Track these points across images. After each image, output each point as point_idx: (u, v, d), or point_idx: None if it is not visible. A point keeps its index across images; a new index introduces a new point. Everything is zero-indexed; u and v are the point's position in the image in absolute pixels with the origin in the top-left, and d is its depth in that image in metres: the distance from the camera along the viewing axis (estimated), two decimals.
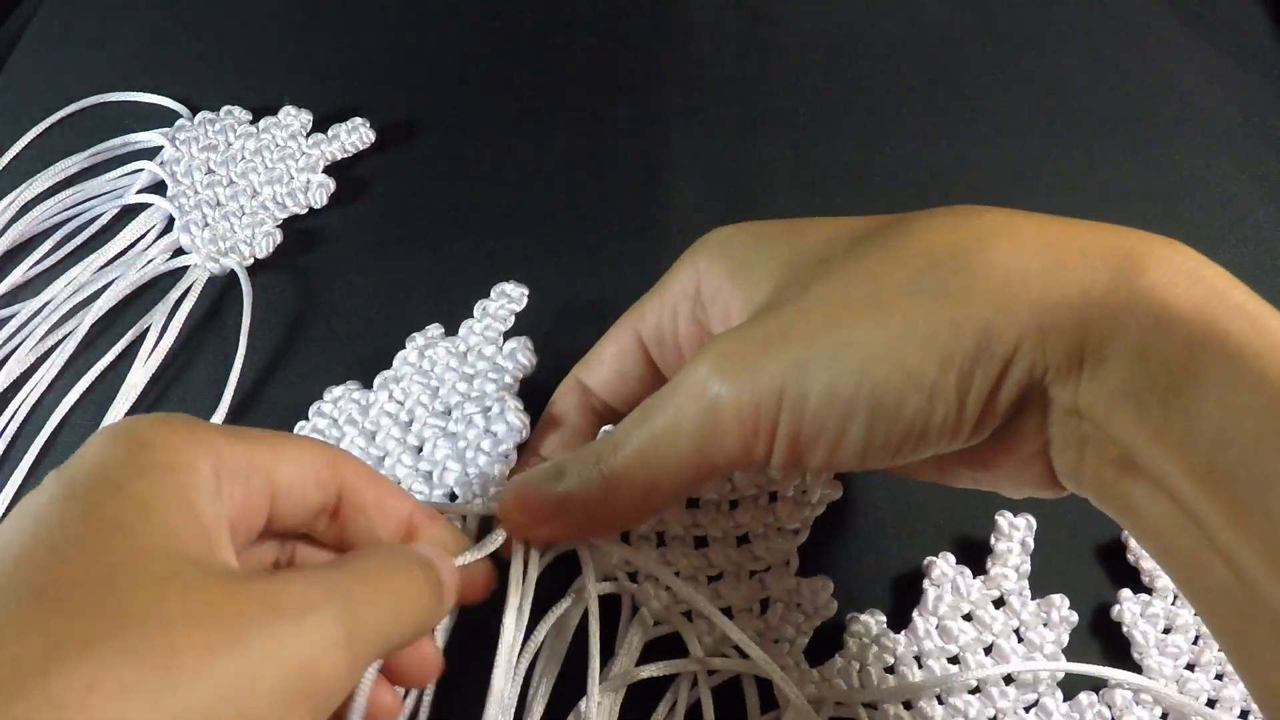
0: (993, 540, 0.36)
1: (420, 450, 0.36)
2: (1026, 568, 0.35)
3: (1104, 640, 0.35)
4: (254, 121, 0.48)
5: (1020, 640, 0.34)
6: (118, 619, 0.18)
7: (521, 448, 0.35)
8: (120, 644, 0.18)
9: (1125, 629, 0.35)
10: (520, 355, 0.38)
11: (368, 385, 0.38)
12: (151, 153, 0.48)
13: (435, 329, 0.39)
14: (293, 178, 0.46)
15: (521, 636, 0.30)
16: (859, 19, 0.55)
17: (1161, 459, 0.22)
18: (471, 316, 0.40)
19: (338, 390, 0.37)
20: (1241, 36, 0.55)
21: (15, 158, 0.48)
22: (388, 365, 0.38)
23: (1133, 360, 0.22)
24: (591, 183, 0.48)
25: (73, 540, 0.19)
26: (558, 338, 0.43)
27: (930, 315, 0.24)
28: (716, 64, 0.53)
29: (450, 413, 0.36)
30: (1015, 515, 0.36)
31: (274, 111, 0.48)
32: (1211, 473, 0.21)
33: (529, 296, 0.40)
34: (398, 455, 0.35)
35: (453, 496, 0.34)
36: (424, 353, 0.38)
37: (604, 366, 0.34)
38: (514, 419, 0.35)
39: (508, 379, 0.37)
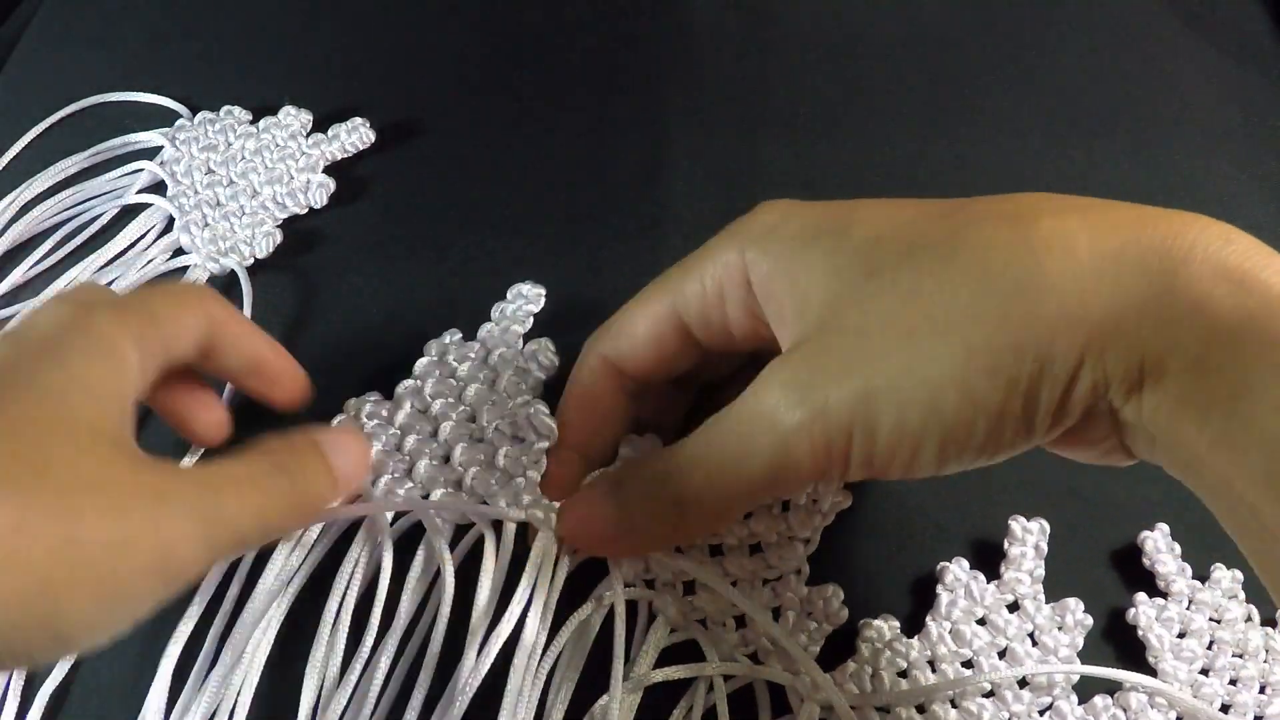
0: (1006, 544, 0.36)
1: (448, 459, 0.36)
2: (1041, 572, 0.35)
3: (1119, 644, 0.35)
4: (254, 121, 0.48)
5: (1035, 644, 0.34)
6: (40, 472, 0.22)
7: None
8: (35, 495, 0.21)
9: (1140, 633, 0.35)
10: (542, 357, 0.38)
11: (371, 387, 0.38)
12: (151, 153, 0.48)
13: (453, 334, 0.39)
14: (293, 178, 0.46)
15: (543, 640, 0.31)
16: (859, 19, 0.55)
17: (1225, 465, 0.23)
18: (488, 319, 0.40)
19: (356, 402, 0.37)
20: (1241, 36, 0.55)
21: (15, 158, 0.48)
22: (388, 365, 0.38)
23: (1190, 374, 0.23)
24: (591, 183, 0.48)
25: (17, 400, 0.23)
26: (558, 338, 0.43)
27: (992, 341, 0.24)
28: (716, 64, 0.53)
29: (475, 419, 0.36)
30: (1029, 519, 0.36)
31: (274, 111, 0.48)
32: (1272, 480, 0.22)
33: None
34: (426, 464, 0.35)
35: (484, 503, 0.34)
36: (444, 358, 0.38)
37: (638, 342, 0.33)
38: (543, 423, 0.35)
39: (531, 381, 0.37)
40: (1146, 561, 0.36)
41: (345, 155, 0.48)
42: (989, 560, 0.36)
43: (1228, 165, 0.49)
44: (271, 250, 0.45)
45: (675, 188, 0.48)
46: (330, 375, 0.39)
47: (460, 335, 0.39)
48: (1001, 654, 0.34)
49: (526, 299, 0.40)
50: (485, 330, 0.39)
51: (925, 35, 0.54)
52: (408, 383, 0.37)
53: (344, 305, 0.44)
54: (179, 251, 0.45)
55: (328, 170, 0.47)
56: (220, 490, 0.25)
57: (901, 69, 0.53)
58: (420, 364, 0.38)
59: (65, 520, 0.21)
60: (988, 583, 0.35)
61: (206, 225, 0.45)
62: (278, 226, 0.45)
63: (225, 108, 0.49)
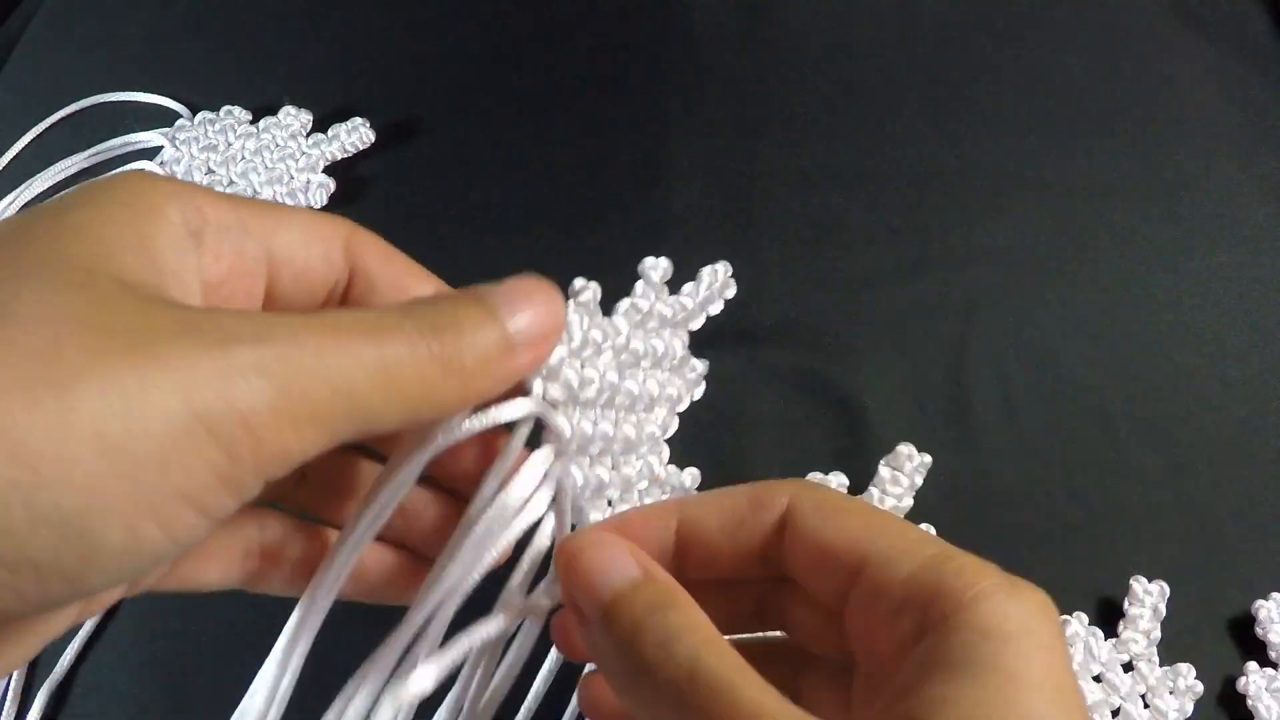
0: (1126, 604, 0.36)
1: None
2: (1157, 634, 0.36)
3: (1229, 712, 0.35)
4: (254, 121, 0.48)
5: (1146, 706, 0.34)
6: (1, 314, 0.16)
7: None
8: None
9: (1250, 702, 0.35)
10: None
11: None
12: (151, 153, 0.48)
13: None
14: (293, 178, 0.46)
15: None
16: (859, 19, 0.55)
17: None
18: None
19: None
20: (1241, 36, 0.55)
21: (15, 158, 0.48)
22: None
23: None
24: (591, 183, 0.48)
25: None
26: None
27: None
28: (716, 64, 0.53)
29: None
30: (1150, 581, 0.37)
31: (274, 111, 0.48)
32: None
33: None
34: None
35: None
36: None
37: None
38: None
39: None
40: (1259, 631, 0.36)
41: (345, 155, 0.48)
42: (1108, 617, 0.36)
43: (1228, 165, 0.49)
44: None
45: (675, 188, 0.48)
46: None
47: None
48: (1115, 713, 0.34)
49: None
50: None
51: (925, 35, 0.54)
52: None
53: None
54: None
55: (328, 170, 0.47)
56: (314, 335, 0.18)
57: (901, 68, 0.53)
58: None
59: (42, 364, 0.15)
60: (1105, 640, 0.35)
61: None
62: None
63: (225, 108, 0.49)
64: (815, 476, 0.39)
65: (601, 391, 0.25)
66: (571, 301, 0.25)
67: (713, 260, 0.46)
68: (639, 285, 0.28)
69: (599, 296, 0.25)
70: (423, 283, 0.25)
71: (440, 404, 0.20)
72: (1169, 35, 0.54)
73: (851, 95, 0.52)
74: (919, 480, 0.38)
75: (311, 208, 0.24)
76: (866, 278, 0.45)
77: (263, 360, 0.17)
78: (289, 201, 0.46)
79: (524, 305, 0.22)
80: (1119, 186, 0.48)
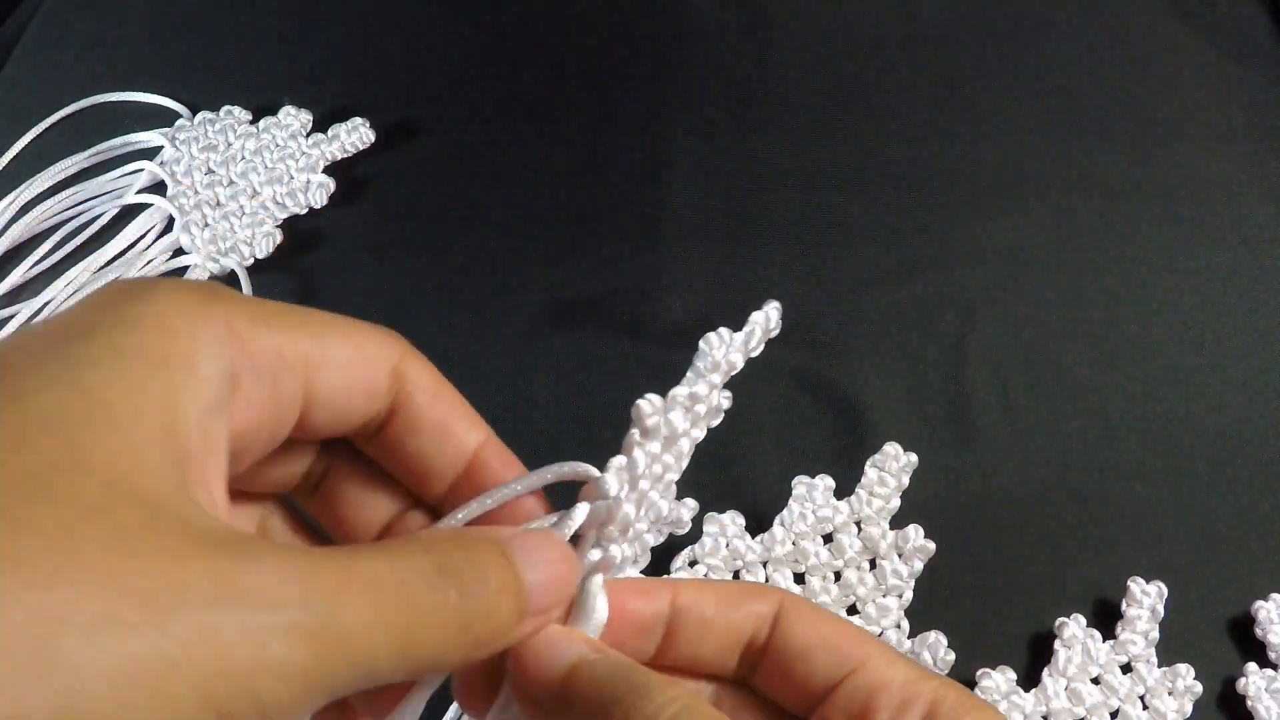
0: (1124, 605, 0.36)
1: None
2: (1155, 635, 0.36)
3: (1229, 713, 0.35)
4: (254, 121, 0.48)
5: (1145, 707, 0.34)
6: None
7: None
8: None
9: (1249, 703, 0.35)
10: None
11: None
12: (151, 153, 0.48)
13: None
14: (293, 178, 0.46)
15: None
16: (859, 19, 0.55)
17: None
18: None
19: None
20: (1241, 36, 0.55)
21: (15, 158, 0.48)
22: None
23: None
24: (591, 183, 0.48)
25: None
26: (557, 338, 0.43)
27: None
28: (716, 64, 0.53)
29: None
30: (1148, 582, 0.36)
31: (274, 111, 0.48)
32: None
33: (527, 297, 0.40)
34: None
35: None
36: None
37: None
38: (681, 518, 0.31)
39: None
40: (1259, 631, 0.36)
41: (345, 155, 0.48)
42: (1105, 618, 0.36)
43: (1228, 165, 0.49)
44: (271, 250, 0.45)
45: (675, 188, 0.48)
46: None
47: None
48: (1114, 715, 0.34)
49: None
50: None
51: (925, 35, 0.54)
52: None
53: (344, 305, 0.44)
54: (179, 252, 0.45)
55: (328, 170, 0.47)
56: (341, 592, 0.16)
57: (901, 69, 0.53)
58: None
59: (30, 633, 0.13)
60: (1103, 641, 0.35)
61: (206, 225, 0.45)
62: (277, 226, 0.45)
63: (225, 108, 0.49)
64: (804, 479, 0.39)
65: (645, 497, 0.24)
66: (636, 430, 0.23)
67: (713, 259, 0.46)
68: (696, 365, 0.25)
69: (664, 414, 0.23)
70: (470, 427, 0.21)
71: (445, 666, 0.18)
72: (1169, 35, 0.54)
73: (851, 95, 0.52)
74: (905, 480, 0.38)
75: (360, 321, 0.20)
76: (866, 278, 0.45)
77: (294, 639, 0.15)
78: (289, 202, 0.46)
79: (543, 564, 0.20)
80: (1119, 186, 0.48)
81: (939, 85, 0.52)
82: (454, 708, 0.30)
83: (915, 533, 0.37)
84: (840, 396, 0.42)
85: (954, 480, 0.40)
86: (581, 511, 0.21)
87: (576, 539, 0.22)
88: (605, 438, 0.36)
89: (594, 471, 0.22)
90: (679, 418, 0.24)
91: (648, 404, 0.22)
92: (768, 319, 0.27)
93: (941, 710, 0.21)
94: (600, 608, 0.22)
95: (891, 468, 0.38)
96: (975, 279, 0.45)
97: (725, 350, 0.25)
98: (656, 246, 0.46)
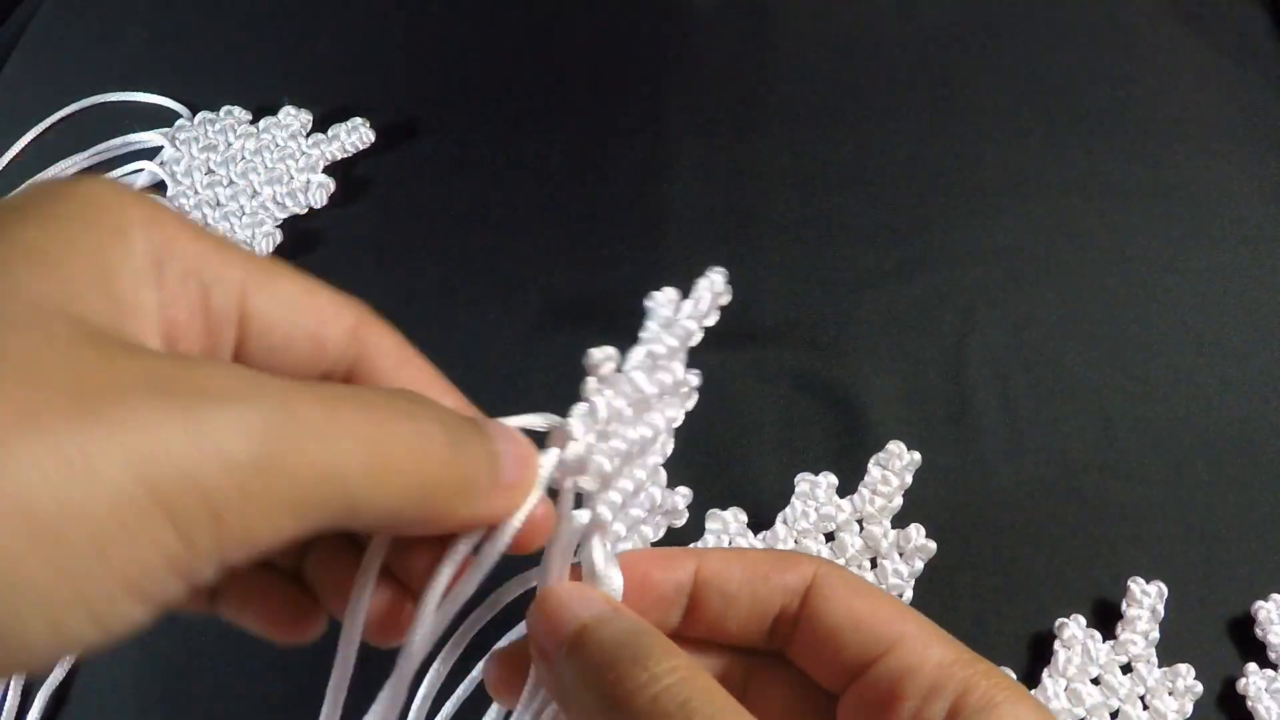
0: (1124, 605, 0.36)
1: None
2: (1155, 635, 0.36)
3: (1229, 713, 0.35)
4: (254, 121, 0.48)
5: (1145, 707, 0.34)
6: None
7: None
8: None
9: (1249, 703, 0.35)
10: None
11: None
12: (151, 153, 0.48)
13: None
14: (293, 178, 0.46)
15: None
16: (859, 19, 0.55)
17: None
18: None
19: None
20: (1241, 36, 0.55)
21: (15, 158, 0.48)
22: None
23: None
24: (591, 183, 0.48)
25: None
26: (557, 337, 0.43)
27: None
28: (716, 64, 0.53)
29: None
30: (1148, 582, 0.36)
31: (274, 111, 0.48)
32: None
33: (527, 297, 0.40)
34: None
35: None
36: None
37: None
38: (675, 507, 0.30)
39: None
40: (1259, 631, 0.36)
41: (345, 155, 0.48)
42: (1105, 618, 0.36)
43: (1228, 165, 0.49)
44: (271, 250, 0.45)
45: (675, 188, 0.48)
46: None
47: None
48: (1114, 715, 0.34)
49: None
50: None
51: (925, 35, 0.54)
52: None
53: None
54: None
55: (328, 170, 0.47)
56: (294, 393, 0.15)
57: (901, 69, 0.53)
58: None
59: None
60: (1103, 642, 0.35)
61: (207, 225, 0.45)
62: (277, 226, 0.45)
63: (225, 108, 0.49)
64: (807, 476, 0.39)
65: (626, 460, 0.24)
66: (592, 378, 0.23)
67: (712, 260, 0.46)
68: (649, 325, 0.26)
69: (618, 361, 0.23)
70: (440, 395, 0.21)
71: (431, 506, 0.18)
72: (1169, 35, 0.54)
73: (851, 95, 0.52)
74: (909, 479, 0.38)
75: (327, 284, 0.20)
76: (866, 278, 0.45)
77: (242, 426, 0.14)
78: (289, 202, 0.46)
79: (512, 446, 0.20)
80: (1119, 186, 0.48)
81: (939, 85, 0.52)
82: (494, 708, 0.30)
83: (917, 532, 0.37)
84: (840, 396, 0.42)
85: (954, 479, 0.40)
86: (551, 456, 0.21)
87: (555, 495, 0.21)
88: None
89: (558, 419, 0.22)
90: (642, 379, 0.24)
91: (599, 350, 0.23)
92: (713, 283, 0.28)
93: (969, 701, 0.20)
94: (614, 576, 0.22)
95: (895, 466, 0.38)
96: (975, 279, 0.45)
97: (675, 308, 0.26)
98: (656, 246, 0.46)
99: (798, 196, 0.48)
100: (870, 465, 0.38)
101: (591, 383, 0.23)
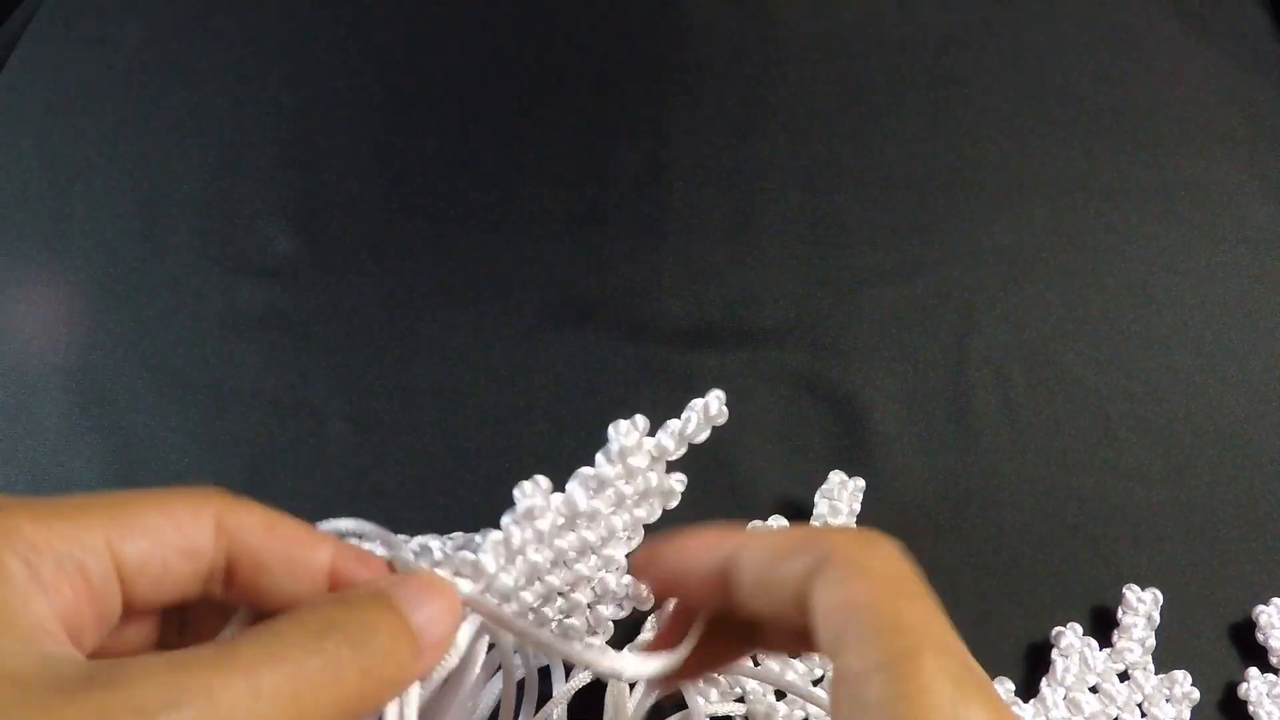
0: (1120, 612, 0.36)
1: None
2: (1151, 642, 0.35)
3: (1231, 718, 0.35)
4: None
5: (1143, 715, 0.34)
6: None
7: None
8: None
9: (1250, 708, 0.35)
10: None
11: (370, 387, 0.38)
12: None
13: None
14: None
15: None
16: (859, 19, 0.55)
17: None
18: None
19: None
20: (1241, 36, 0.55)
21: (14, 157, 0.48)
22: (385, 367, 0.38)
23: None
24: (591, 183, 0.48)
25: None
26: (556, 337, 0.43)
27: None
28: (716, 64, 0.53)
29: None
30: (1143, 589, 0.36)
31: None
32: None
33: (527, 297, 0.40)
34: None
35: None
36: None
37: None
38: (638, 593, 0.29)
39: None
40: (1260, 636, 0.36)
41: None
42: (1103, 624, 0.36)
43: (1228, 165, 0.49)
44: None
45: (675, 188, 0.48)
46: (328, 374, 0.39)
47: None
48: None
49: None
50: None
51: (925, 35, 0.54)
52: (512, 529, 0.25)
53: (344, 306, 0.44)
54: None
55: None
56: (216, 679, 0.17)
57: (901, 69, 0.53)
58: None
59: None
60: (1100, 650, 0.35)
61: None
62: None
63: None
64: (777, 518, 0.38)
65: (538, 575, 0.25)
66: (507, 517, 0.24)
67: (713, 259, 0.46)
68: (598, 456, 0.26)
69: (550, 491, 0.25)
70: (315, 549, 0.22)
71: (363, 710, 0.19)
72: (1169, 35, 0.54)
73: (851, 95, 0.52)
74: (857, 506, 0.38)
75: (172, 489, 0.21)
76: (866, 278, 0.45)
77: (167, 699, 0.16)
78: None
79: (426, 603, 0.21)
80: (1119, 186, 0.48)
81: (939, 85, 0.52)
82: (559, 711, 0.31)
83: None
84: (840, 396, 0.42)
85: (954, 479, 0.40)
86: (463, 585, 0.23)
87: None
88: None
89: (470, 555, 0.23)
90: (579, 494, 0.25)
91: (530, 484, 0.24)
92: (707, 407, 0.28)
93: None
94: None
95: (841, 496, 0.38)
96: (975, 279, 0.45)
97: (636, 439, 0.27)
98: (656, 246, 0.46)
99: (798, 196, 0.48)
100: (816, 499, 0.38)
101: (513, 514, 0.24)
